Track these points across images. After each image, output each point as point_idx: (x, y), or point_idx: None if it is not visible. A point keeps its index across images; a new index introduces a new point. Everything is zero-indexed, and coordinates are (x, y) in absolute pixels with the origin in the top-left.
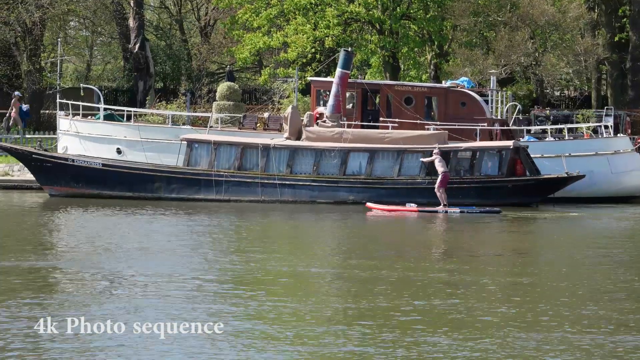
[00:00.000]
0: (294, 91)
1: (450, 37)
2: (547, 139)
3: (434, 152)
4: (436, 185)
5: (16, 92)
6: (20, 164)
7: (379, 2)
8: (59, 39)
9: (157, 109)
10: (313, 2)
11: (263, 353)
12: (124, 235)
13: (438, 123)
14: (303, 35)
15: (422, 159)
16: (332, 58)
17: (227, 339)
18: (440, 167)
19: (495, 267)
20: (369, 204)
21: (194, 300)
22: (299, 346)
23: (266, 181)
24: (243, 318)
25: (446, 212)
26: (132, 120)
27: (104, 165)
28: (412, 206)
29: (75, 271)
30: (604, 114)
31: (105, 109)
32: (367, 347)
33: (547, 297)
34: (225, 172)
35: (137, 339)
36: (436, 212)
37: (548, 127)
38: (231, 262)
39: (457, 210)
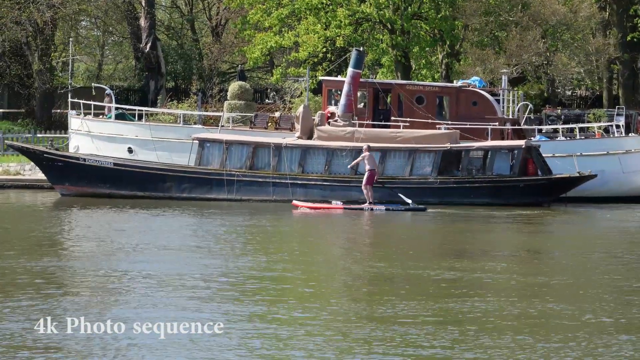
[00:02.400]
0: (306, 90)
1: (461, 37)
2: (558, 139)
3: (363, 148)
4: (363, 183)
5: (108, 91)
6: (32, 163)
7: (390, 2)
8: (70, 39)
9: (169, 108)
10: (324, 1)
11: (263, 353)
12: (131, 235)
13: (449, 122)
14: (314, 34)
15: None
16: (343, 58)
17: (226, 339)
18: (367, 165)
19: (520, 267)
20: (295, 202)
21: (195, 300)
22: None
23: (278, 180)
24: (243, 318)
25: (372, 209)
26: (143, 120)
27: (115, 164)
28: (338, 203)
29: (79, 271)
30: (616, 113)
31: (116, 109)
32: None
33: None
34: (236, 171)
35: (137, 339)
36: (362, 209)
37: (559, 126)
38: (233, 262)
39: (383, 208)
